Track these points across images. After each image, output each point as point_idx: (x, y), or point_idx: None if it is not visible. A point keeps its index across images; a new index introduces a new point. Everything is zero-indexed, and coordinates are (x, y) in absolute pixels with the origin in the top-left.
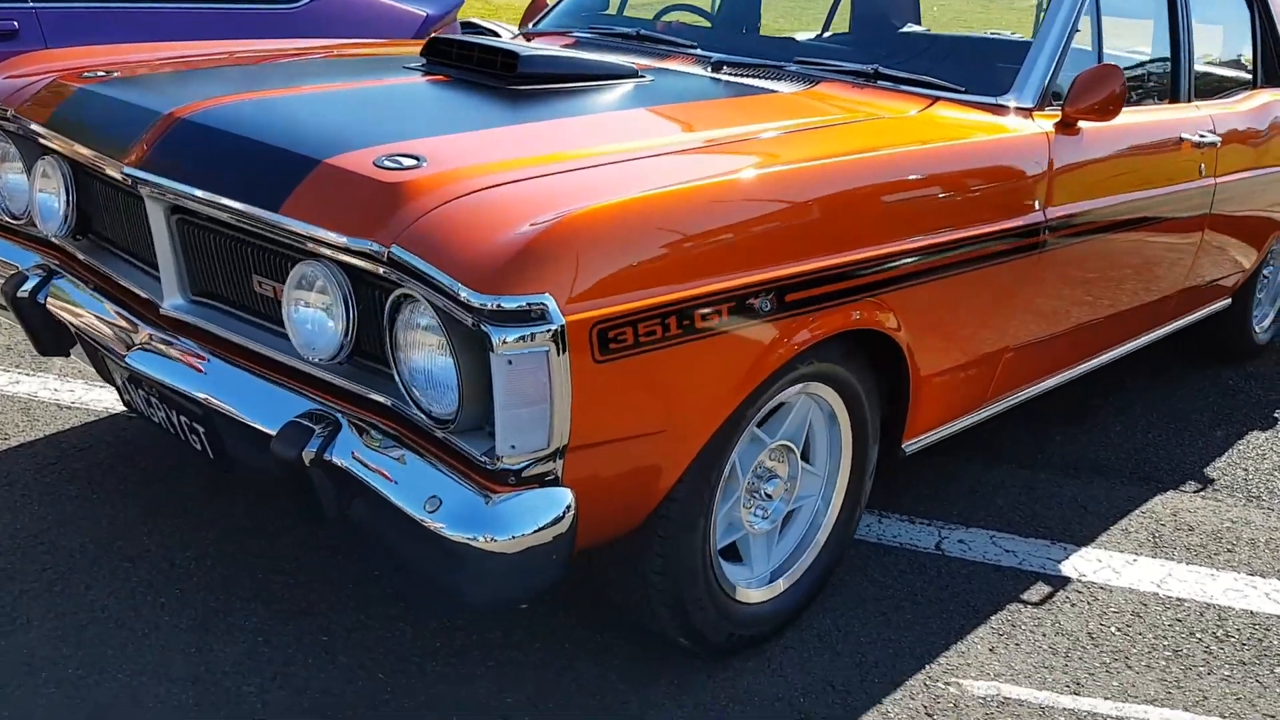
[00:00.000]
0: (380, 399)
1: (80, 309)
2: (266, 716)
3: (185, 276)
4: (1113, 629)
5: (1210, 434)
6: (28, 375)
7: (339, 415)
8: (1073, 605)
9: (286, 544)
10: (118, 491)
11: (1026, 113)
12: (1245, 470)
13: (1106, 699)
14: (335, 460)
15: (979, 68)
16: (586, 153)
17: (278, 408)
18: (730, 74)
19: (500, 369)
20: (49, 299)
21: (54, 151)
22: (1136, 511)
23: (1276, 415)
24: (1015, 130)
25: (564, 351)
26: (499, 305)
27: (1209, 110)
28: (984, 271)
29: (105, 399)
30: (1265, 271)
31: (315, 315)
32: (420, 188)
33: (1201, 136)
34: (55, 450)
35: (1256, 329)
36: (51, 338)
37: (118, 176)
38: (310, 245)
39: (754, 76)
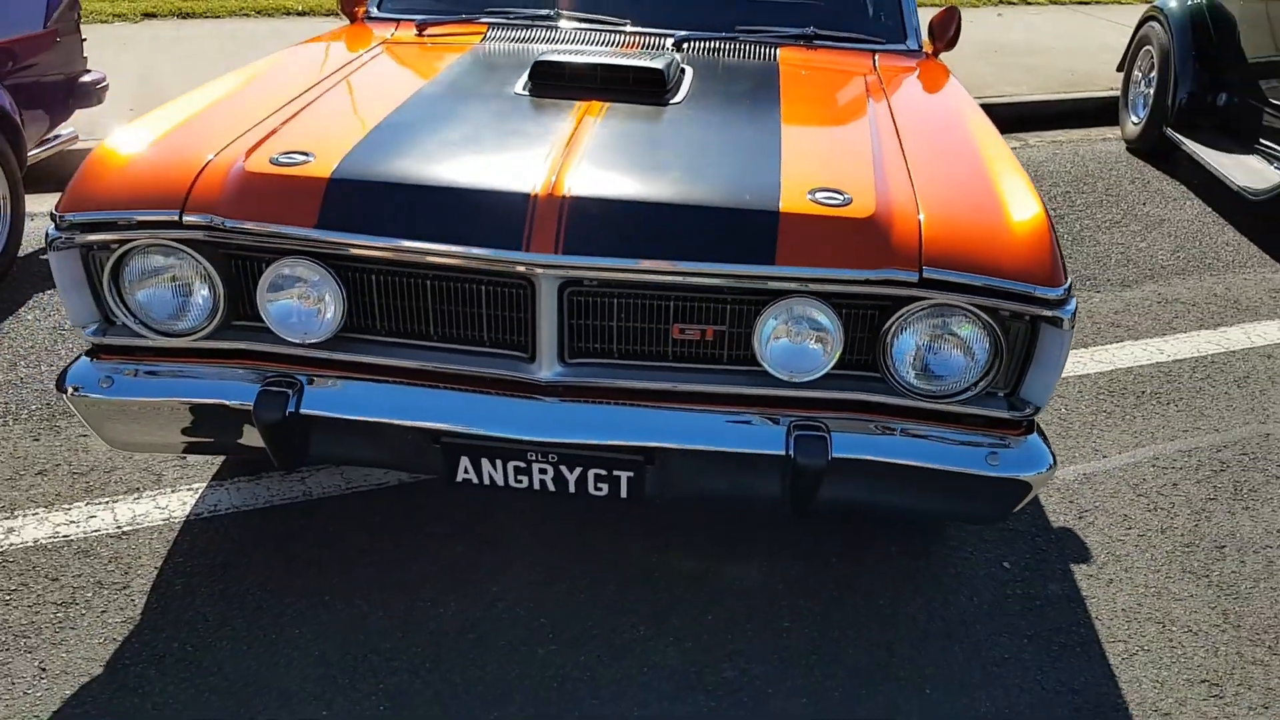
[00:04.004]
0: (850, 396)
1: (393, 404)
2: None
3: (564, 344)
4: None
5: None
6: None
7: (817, 420)
8: None
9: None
10: (353, 585)
11: (924, 54)
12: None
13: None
14: (847, 456)
15: (870, 19)
16: (865, 151)
17: (758, 434)
18: (701, 49)
19: (1064, 341)
20: (305, 409)
21: (300, 254)
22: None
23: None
24: (943, 69)
25: None
26: (1065, 293)
27: None
28: None
29: (122, 513)
30: None
31: (790, 344)
32: (888, 217)
33: None
34: (206, 583)
35: None
36: (299, 449)
37: (519, 269)
38: (799, 285)
39: (727, 54)
